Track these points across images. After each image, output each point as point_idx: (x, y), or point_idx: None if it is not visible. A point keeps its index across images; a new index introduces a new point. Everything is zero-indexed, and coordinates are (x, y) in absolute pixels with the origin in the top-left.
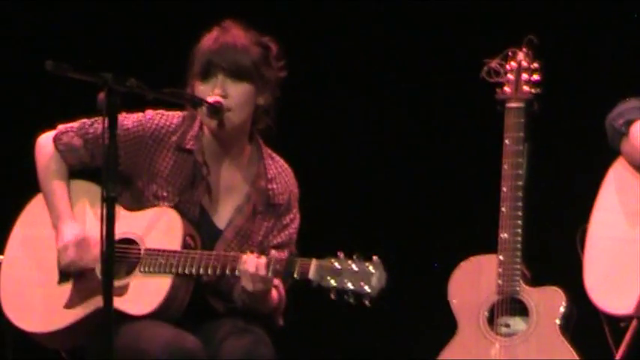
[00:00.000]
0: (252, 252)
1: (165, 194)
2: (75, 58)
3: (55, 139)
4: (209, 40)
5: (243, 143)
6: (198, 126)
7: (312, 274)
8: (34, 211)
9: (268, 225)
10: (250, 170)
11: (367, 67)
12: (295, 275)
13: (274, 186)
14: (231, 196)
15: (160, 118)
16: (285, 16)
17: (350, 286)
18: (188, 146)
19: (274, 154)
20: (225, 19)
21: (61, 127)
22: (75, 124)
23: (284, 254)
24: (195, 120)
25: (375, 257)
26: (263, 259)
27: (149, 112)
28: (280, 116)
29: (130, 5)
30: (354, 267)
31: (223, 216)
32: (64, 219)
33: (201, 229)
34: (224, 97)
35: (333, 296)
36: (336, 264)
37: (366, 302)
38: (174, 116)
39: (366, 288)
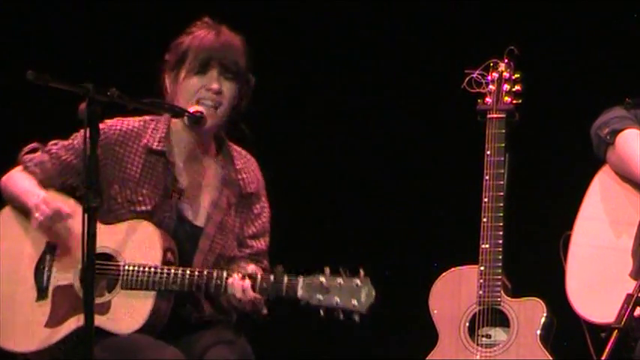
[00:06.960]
0: (236, 272)
1: (140, 198)
2: (53, 69)
3: (21, 162)
4: (208, 36)
5: (209, 140)
6: (164, 127)
7: (300, 292)
8: (6, 224)
9: (242, 216)
10: (219, 164)
11: (347, 77)
12: (283, 294)
13: (244, 176)
14: (205, 192)
15: (122, 124)
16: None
17: (339, 303)
18: (158, 148)
19: (236, 146)
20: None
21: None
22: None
23: (261, 245)
24: (161, 121)
25: (361, 272)
26: (248, 282)
27: (107, 121)
28: (263, 123)
29: (105, 15)
30: (342, 283)
31: (200, 213)
32: (33, 192)
33: (180, 230)
34: (219, 92)
35: (322, 313)
36: (324, 281)
37: (356, 318)
38: (134, 120)
39: (356, 304)
